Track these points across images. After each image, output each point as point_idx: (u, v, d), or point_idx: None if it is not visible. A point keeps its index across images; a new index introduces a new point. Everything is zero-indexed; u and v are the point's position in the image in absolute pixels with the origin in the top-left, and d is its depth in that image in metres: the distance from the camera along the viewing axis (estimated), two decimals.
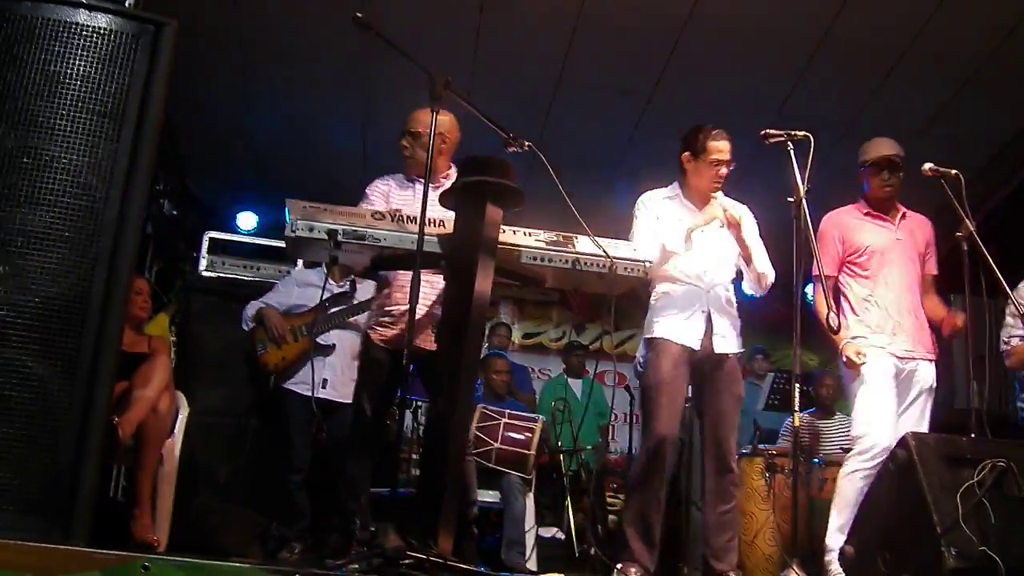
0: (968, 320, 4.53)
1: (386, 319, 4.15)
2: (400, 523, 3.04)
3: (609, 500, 6.75)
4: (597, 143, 7.57)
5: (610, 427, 7.84)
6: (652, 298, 4.32)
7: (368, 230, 3.21)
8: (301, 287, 5.61)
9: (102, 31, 3.01)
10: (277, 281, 5.88)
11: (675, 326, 4.22)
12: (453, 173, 4.06)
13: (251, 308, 5.47)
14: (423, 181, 4.03)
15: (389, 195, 4.29)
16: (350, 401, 5.24)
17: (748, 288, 4.45)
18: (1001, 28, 6.09)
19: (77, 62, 2.96)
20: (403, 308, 3.88)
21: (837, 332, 4.05)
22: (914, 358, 4.41)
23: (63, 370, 2.78)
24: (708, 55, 6.48)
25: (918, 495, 2.83)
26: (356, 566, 2.84)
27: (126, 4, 3.41)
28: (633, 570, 4.03)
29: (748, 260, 4.34)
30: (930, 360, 4.47)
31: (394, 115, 4.48)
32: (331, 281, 5.48)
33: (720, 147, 4.30)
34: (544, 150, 3.57)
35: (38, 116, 2.89)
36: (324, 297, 5.42)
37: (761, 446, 5.73)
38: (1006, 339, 4.85)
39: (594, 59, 6.62)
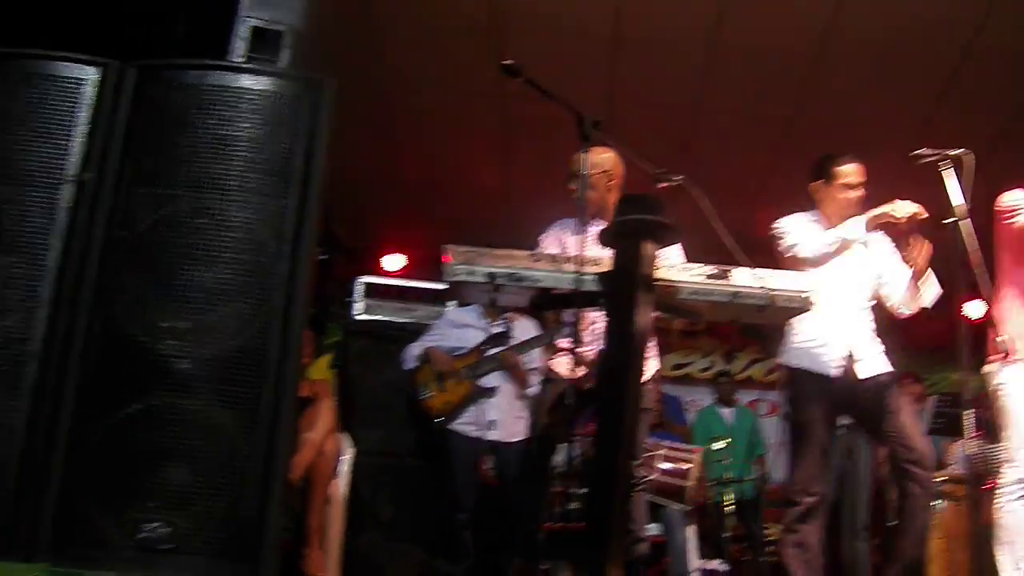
0: None
1: (564, 357, 4.24)
2: (569, 559, 3.07)
3: (767, 531, 6.63)
4: (737, 170, 7.51)
5: (764, 456, 7.69)
6: (792, 323, 4.24)
7: (526, 272, 3.25)
8: (458, 328, 5.70)
9: (266, 93, 3.16)
10: (431, 321, 6.00)
11: (813, 355, 4.16)
12: None
13: (414, 348, 5.58)
14: (597, 222, 4.15)
15: (562, 240, 4.29)
16: (516, 440, 5.33)
17: (896, 307, 4.32)
18: None
19: (244, 124, 3.11)
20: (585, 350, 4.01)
21: (1005, 356, 3.86)
22: None
23: (245, 419, 2.91)
24: (847, 74, 6.40)
25: None
26: None
27: (280, 66, 3.56)
28: None
29: (918, 280, 4.20)
30: None
31: (534, 153, 4.55)
32: (487, 321, 5.60)
33: (848, 170, 4.25)
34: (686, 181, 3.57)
35: (211, 178, 3.05)
36: (483, 339, 5.54)
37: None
38: None
39: (731, 85, 6.60)
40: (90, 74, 3.18)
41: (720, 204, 6.93)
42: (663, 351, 4.69)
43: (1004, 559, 3.98)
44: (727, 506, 6.29)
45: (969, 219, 3.84)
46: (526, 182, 7.43)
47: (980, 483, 5.39)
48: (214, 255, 2.99)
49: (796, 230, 4.24)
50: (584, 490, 3.34)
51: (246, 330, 2.94)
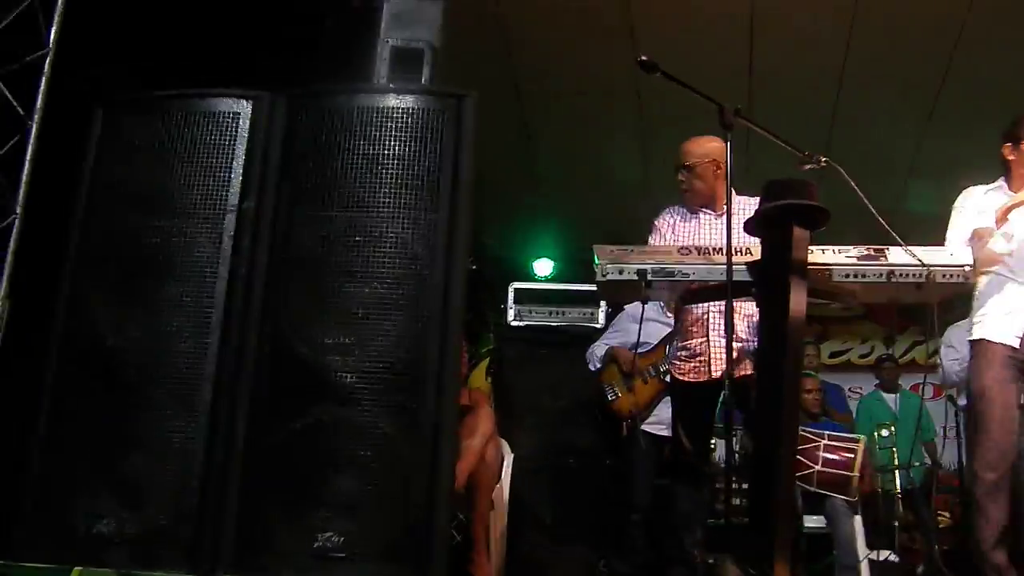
0: None
1: (683, 354, 4.23)
2: (735, 553, 3.05)
3: (939, 518, 6.42)
4: (887, 145, 7.31)
5: (935, 442, 7.44)
6: (976, 295, 4.11)
7: (676, 266, 3.27)
8: (636, 323, 5.62)
9: (410, 111, 3.24)
10: (587, 324, 6.02)
11: (995, 324, 4.01)
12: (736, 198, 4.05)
13: (598, 348, 5.58)
14: (706, 211, 4.13)
15: (675, 227, 4.33)
16: None
17: None
18: None
19: (392, 142, 3.20)
20: (698, 340, 4.08)
21: None
22: None
23: (408, 428, 3.00)
24: (995, 36, 6.13)
25: None
26: None
27: (423, 81, 3.64)
28: None
29: None
30: None
31: (672, 145, 4.52)
32: (668, 314, 5.53)
33: None
34: (832, 161, 3.51)
35: (363, 197, 3.15)
36: (666, 334, 5.44)
37: None
38: None
39: (874, 59, 6.43)
40: (244, 107, 3.34)
41: (871, 179, 6.79)
42: (820, 339, 4.61)
43: None
44: (896, 494, 6.11)
45: None
46: (666, 177, 7.38)
47: None
48: (371, 271, 3.08)
49: (955, 225, 4.13)
50: (746, 484, 3.28)
51: (405, 341, 3.03)
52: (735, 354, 3.77)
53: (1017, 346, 3.96)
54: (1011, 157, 4.14)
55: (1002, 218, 3.94)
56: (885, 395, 7.52)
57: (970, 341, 4.10)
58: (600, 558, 5.21)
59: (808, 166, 3.59)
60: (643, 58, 3.32)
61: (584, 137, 7.44)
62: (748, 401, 3.50)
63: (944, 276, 3.21)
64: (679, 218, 4.38)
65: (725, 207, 3.79)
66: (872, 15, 5.99)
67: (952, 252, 3.35)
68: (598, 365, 5.49)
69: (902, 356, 9.00)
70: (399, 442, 2.99)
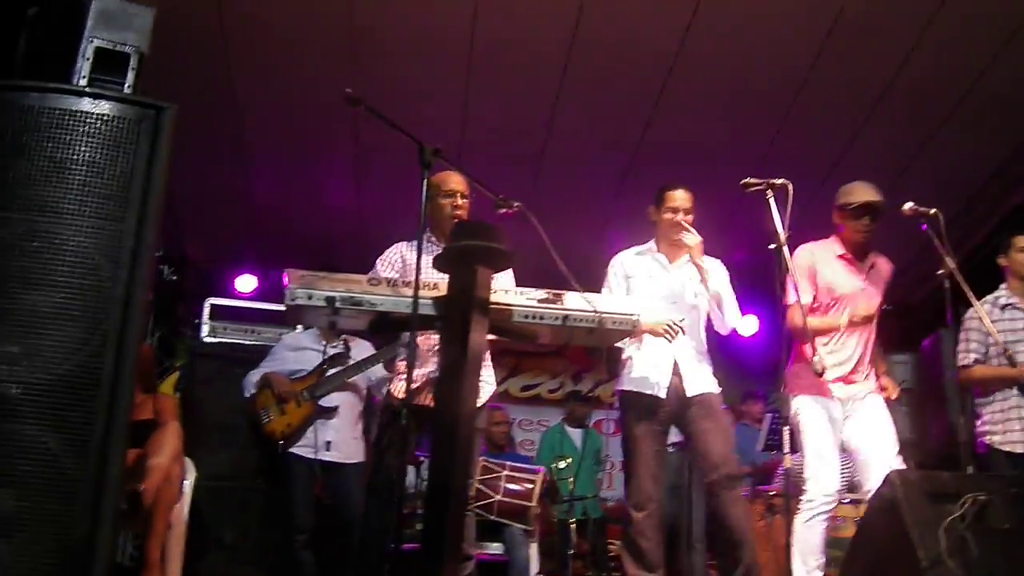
0: (951, 354, 4.65)
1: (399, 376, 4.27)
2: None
3: (610, 547, 6.81)
4: (587, 195, 7.72)
5: (606, 474, 7.91)
6: (624, 348, 4.49)
7: (364, 296, 3.33)
8: (294, 351, 5.70)
9: (105, 118, 3.14)
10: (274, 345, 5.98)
11: (644, 376, 4.42)
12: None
13: (253, 375, 5.56)
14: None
15: (406, 263, 4.31)
16: (354, 461, 5.38)
17: (734, 330, 4.59)
18: (976, 66, 6.27)
19: (82, 148, 3.08)
20: (425, 370, 4.11)
21: (822, 375, 4.11)
22: (861, 398, 4.54)
23: (75, 443, 2.89)
24: (692, 103, 6.66)
25: (902, 531, 2.93)
26: None
27: (126, 88, 3.54)
28: None
29: (720, 311, 4.50)
30: (879, 394, 4.60)
31: (386, 174, 4.59)
32: (324, 342, 5.61)
33: (674, 195, 4.54)
34: (536, 204, 3.70)
35: (47, 201, 3.01)
36: (322, 360, 5.54)
37: (761, 487, 5.82)
38: (964, 361, 4.95)
39: (582, 110, 6.79)
40: None
41: (569, 228, 7.14)
42: (513, 372, 4.83)
43: (797, 569, 4.27)
44: (571, 524, 6.44)
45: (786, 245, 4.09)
46: (379, 202, 7.50)
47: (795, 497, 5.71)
48: (48, 278, 2.95)
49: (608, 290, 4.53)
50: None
51: (78, 354, 2.92)
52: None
53: (663, 396, 4.40)
54: (654, 219, 4.60)
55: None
56: (569, 429, 7.86)
57: (618, 391, 4.49)
58: None
59: (503, 210, 3.76)
60: (348, 91, 3.38)
61: (300, 157, 7.42)
62: None
63: (614, 323, 3.45)
64: (413, 252, 4.37)
65: None
66: (583, 69, 6.35)
67: (627, 303, 3.63)
68: (252, 391, 5.48)
69: (589, 392, 9.47)
70: (64, 459, 2.87)
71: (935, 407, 5.28)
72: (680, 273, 4.55)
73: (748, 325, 4.63)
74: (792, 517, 4.27)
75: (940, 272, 4.36)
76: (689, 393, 4.41)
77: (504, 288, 3.49)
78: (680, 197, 4.53)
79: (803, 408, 4.48)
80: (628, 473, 4.44)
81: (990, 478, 3.38)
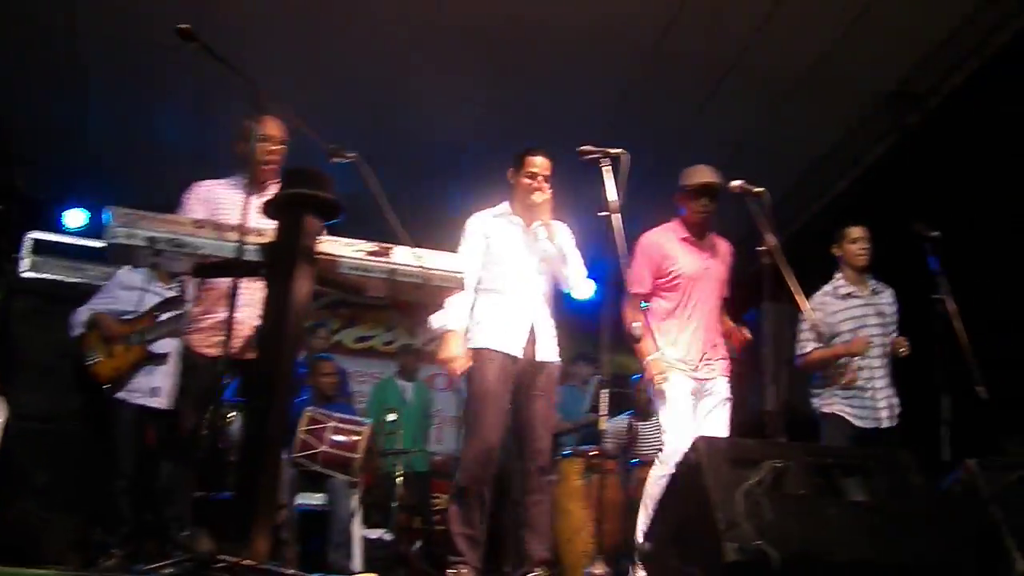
0: (770, 328, 4.84)
1: (203, 326, 4.16)
2: (219, 528, 3.10)
3: (435, 501, 6.88)
4: (437, 148, 7.70)
5: (435, 428, 7.96)
6: (475, 306, 4.51)
7: (188, 238, 3.24)
8: (126, 290, 5.47)
9: None
10: (102, 283, 5.74)
11: (500, 335, 4.44)
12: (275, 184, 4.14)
13: (81, 314, 5.34)
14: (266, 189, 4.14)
15: (218, 201, 4.22)
16: None
17: (575, 292, 4.68)
18: (818, 50, 6.51)
19: None
20: (222, 317, 3.93)
21: (639, 341, 4.24)
22: (712, 378, 4.68)
23: None
24: (539, 70, 6.70)
25: (704, 494, 3.05)
26: (167, 572, 2.88)
27: None
28: (464, 570, 4.22)
29: (564, 271, 4.58)
30: (727, 375, 4.74)
31: (227, 114, 4.44)
32: (160, 284, 5.45)
33: (534, 160, 4.57)
34: (384, 154, 3.65)
35: None
36: (155, 303, 5.40)
37: (583, 447, 5.95)
38: (801, 350, 5.25)
39: (435, 62, 6.76)
40: None
41: (417, 180, 7.08)
42: (348, 324, 4.79)
43: (640, 521, 4.42)
44: (397, 476, 6.46)
45: (619, 214, 4.18)
46: (221, 141, 7.28)
47: (625, 457, 5.90)
48: None
49: (464, 252, 4.56)
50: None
51: None
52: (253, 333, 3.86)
53: (520, 356, 4.44)
54: (512, 181, 4.65)
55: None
56: (401, 382, 7.86)
57: (472, 348, 4.48)
58: (94, 527, 5.02)
59: (336, 160, 3.71)
60: (181, 26, 3.26)
61: (140, 91, 7.14)
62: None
63: (441, 280, 3.45)
64: (225, 188, 4.29)
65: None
66: (436, 22, 6.33)
67: (455, 260, 3.63)
68: (79, 331, 5.28)
69: (424, 346, 9.49)
70: None
71: (752, 379, 5.48)
72: (533, 236, 4.59)
73: (586, 288, 4.71)
74: (608, 477, 4.40)
75: (763, 248, 4.49)
76: (538, 357, 4.49)
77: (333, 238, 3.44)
78: (539, 163, 4.57)
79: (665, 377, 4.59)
80: (470, 427, 4.43)
81: (790, 446, 3.55)
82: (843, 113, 7.29)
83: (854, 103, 7.15)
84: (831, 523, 3.12)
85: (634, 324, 4.23)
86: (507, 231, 4.63)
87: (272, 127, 4.25)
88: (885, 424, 5.12)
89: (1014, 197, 4.97)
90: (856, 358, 5.12)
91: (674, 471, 3.54)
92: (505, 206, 4.71)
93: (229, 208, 4.12)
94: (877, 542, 3.14)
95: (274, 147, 4.27)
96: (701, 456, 3.16)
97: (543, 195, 4.50)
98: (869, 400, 5.13)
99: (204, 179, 4.39)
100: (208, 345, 4.12)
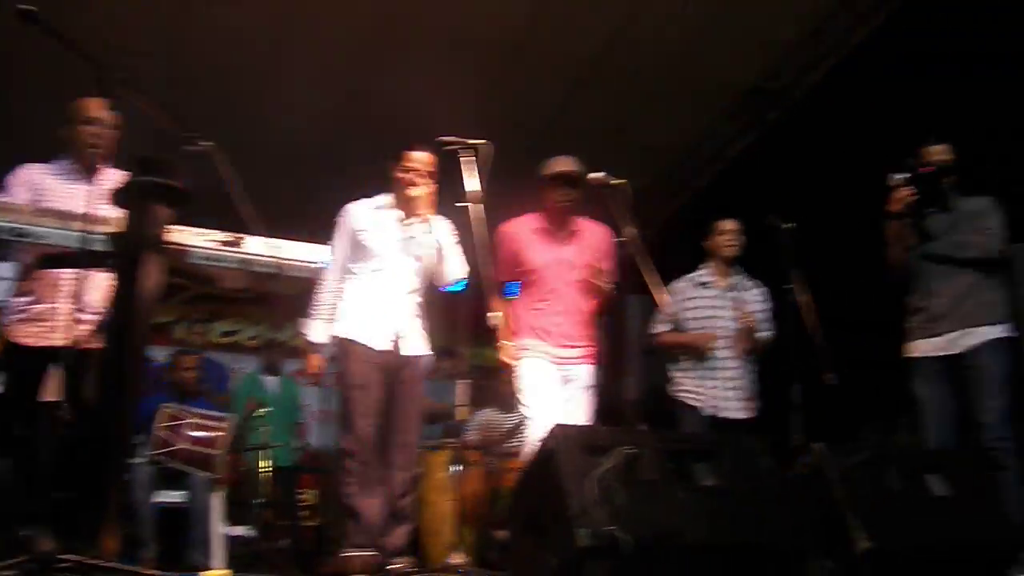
0: (633, 319, 4.93)
1: (25, 316, 3.94)
2: (64, 526, 3.00)
3: (302, 497, 6.77)
4: (302, 140, 7.59)
5: (303, 424, 7.85)
6: (345, 295, 4.47)
7: (30, 227, 3.14)
8: None
9: None
10: None
11: (365, 328, 4.40)
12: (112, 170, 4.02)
13: None
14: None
15: (42, 186, 3.99)
16: None
17: (447, 283, 4.66)
18: (676, 48, 6.66)
19: None
20: (44, 306, 3.82)
21: (496, 330, 4.26)
22: (573, 363, 4.72)
23: None
24: (404, 59, 6.67)
25: (558, 481, 3.08)
26: (7, 573, 2.78)
27: None
28: (355, 554, 4.18)
29: (441, 267, 4.56)
30: (590, 363, 4.78)
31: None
32: None
33: (414, 156, 4.51)
34: (252, 145, 3.57)
35: None
36: None
37: (446, 439, 5.95)
38: (652, 330, 5.40)
39: (301, 53, 6.68)
40: None
41: (281, 170, 6.93)
42: (212, 318, 4.68)
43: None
44: (263, 473, 6.35)
45: (481, 205, 4.18)
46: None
47: (491, 450, 5.92)
48: None
49: (337, 241, 4.50)
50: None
51: None
52: (92, 325, 3.72)
53: (386, 349, 4.40)
54: (392, 175, 4.57)
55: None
56: (266, 377, 7.73)
57: (337, 337, 4.43)
58: None
59: (190, 148, 3.61)
60: (24, 7, 3.13)
61: None
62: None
63: (296, 271, 3.41)
64: (52, 173, 4.06)
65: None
66: (304, 13, 6.27)
67: (311, 250, 3.58)
68: None
69: (290, 341, 9.33)
70: None
71: (618, 368, 5.59)
72: (411, 230, 4.55)
73: (461, 282, 4.70)
74: (472, 469, 4.40)
75: (623, 239, 4.55)
76: (403, 352, 4.46)
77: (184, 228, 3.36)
78: (419, 159, 4.51)
79: (524, 365, 4.62)
80: (344, 419, 4.36)
81: (643, 433, 3.60)
82: (705, 108, 7.48)
83: (716, 99, 7.35)
84: (682, 507, 3.17)
85: (490, 315, 4.23)
86: (382, 223, 4.56)
87: (96, 109, 4.02)
88: (741, 415, 5.27)
89: (868, 190, 5.15)
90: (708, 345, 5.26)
91: (530, 458, 3.57)
92: (385, 198, 4.64)
93: (54, 194, 3.92)
94: (726, 524, 3.21)
95: (99, 130, 4.03)
96: (555, 443, 3.19)
97: (419, 190, 4.46)
98: (720, 390, 5.27)
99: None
100: (31, 335, 3.91)
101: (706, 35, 6.51)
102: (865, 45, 6.45)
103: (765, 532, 3.28)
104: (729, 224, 5.49)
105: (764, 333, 5.43)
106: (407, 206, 4.54)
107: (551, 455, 3.17)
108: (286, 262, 3.34)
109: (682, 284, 5.42)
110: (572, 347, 4.73)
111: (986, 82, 5.35)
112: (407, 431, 4.44)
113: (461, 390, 4.57)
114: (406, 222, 4.56)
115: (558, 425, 3.34)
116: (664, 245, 5.59)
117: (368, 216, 4.57)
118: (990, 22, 5.31)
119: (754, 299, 5.49)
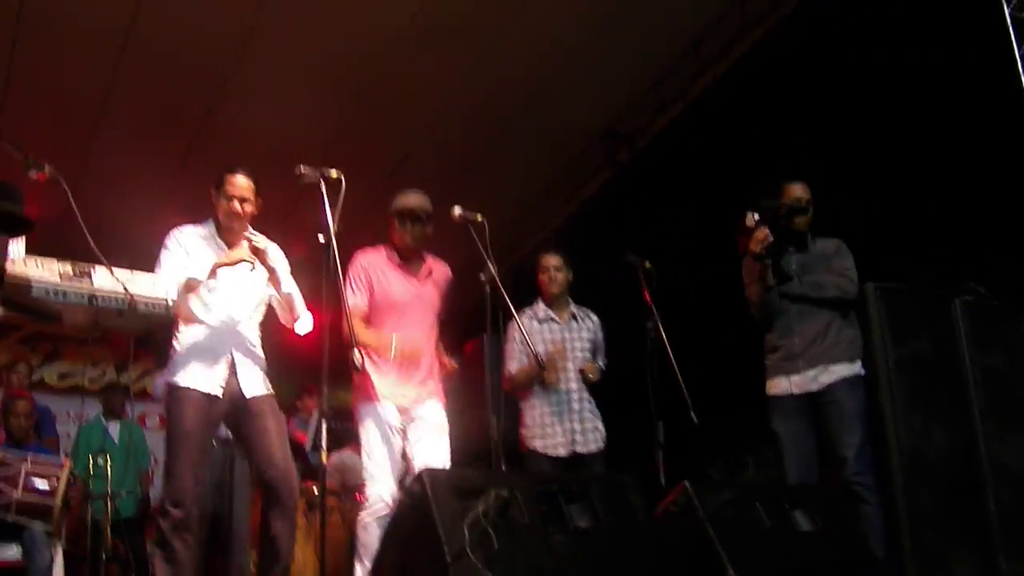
0: (491, 358, 4.81)
1: None
2: None
3: (150, 549, 6.40)
4: (143, 170, 7.27)
5: (149, 471, 7.45)
6: (176, 339, 4.18)
7: None
8: None
9: None
10: None
11: (199, 372, 4.10)
12: None
13: None
14: None
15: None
16: None
17: (294, 325, 4.43)
18: (528, 89, 6.73)
19: None
20: None
21: (361, 371, 4.03)
22: (422, 402, 4.57)
23: None
24: (258, 91, 6.51)
25: (430, 526, 2.95)
26: None
27: None
28: None
29: (281, 296, 4.33)
30: (440, 401, 4.65)
31: None
32: None
33: (234, 180, 4.24)
34: (89, 176, 3.36)
35: None
36: None
37: (306, 482, 5.71)
38: (505, 370, 5.23)
39: (141, 87, 6.46)
40: None
41: (122, 201, 6.67)
42: (49, 359, 4.35)
43: (358, 571, 4.25)
44: (106, 524, 5.97)
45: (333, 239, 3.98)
46: None
47: (349, 494, 5.73)
48: None
49: (166, 261, 4.11)
50: None
51: None
52: None
53: (219, 395, 4.11)
54: (214, 201, 4.28)
55: (212, 274, 4.07)
56: (108, 422, 7.32)
57: (169, 383, 4.11)
58: None
59: (33, 172, 3.36)
60: None
61: None
62: None
63: (147, 307, 3.20)
64: None
65: None
66: (144, 48, 6.09)
67: (156, 282, 3.36)
68: None
69: (134, 384, 8.91)
70: None
71: (476, 409, 5.47)
72: (238, 265, 4.27)
73: (306, 322, 4.45)
74: (331, 514, 4.21)
75: (481, 277, 4.44)
76: (246, 394, 4.19)
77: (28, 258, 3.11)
78: (240, 184, 4.22)
79: (363, 415, 4.44)
80: (168, 468, 4.08)
81: (515, 475, 3.53)
82: (559, 149, 7.54)
83: (569, 141, 7.44)
84: (557, 550, 3.10)
85: (353, 353, 3.96)
86: (207, 253, 4.21)
87: None
88: (590, 448, 5.15)
89: (716, 230, 5.23)
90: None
91: (399, 504, 3.42)
92: (211, 226, 4.33)
93: None
94: (601, 566, 3.16)
95: None
96: (426, 487, 3.06)
97: (262, 242, 4.19)
98: (567, 427, 5.15)
99: None
100: None
101: (555, 78, 6.60)
102: (709, 93, 6.67)
103: (640, 573, 3.23)
104: (550, 259, 5.38)
105: (598, 363, 5.36)
106: (232, 235, 4.26)
107: (423, 500, 3.04)
108: (137, 298, 3.11)
109: (525, 319, 5.27)
110: (423, 383, 4.58)
111: (824, 128, 5.59)
112: (276, 466, 4.13)
113: (319, 431, 4.32)
114: (231, 255, 4.18)
115: (426, 469, 3.22)
116: (521, 284, 5.52)
117: (194, 243, 4.23)
118: (830, 70, 5.56)
119: (589, 330, 5.41)
